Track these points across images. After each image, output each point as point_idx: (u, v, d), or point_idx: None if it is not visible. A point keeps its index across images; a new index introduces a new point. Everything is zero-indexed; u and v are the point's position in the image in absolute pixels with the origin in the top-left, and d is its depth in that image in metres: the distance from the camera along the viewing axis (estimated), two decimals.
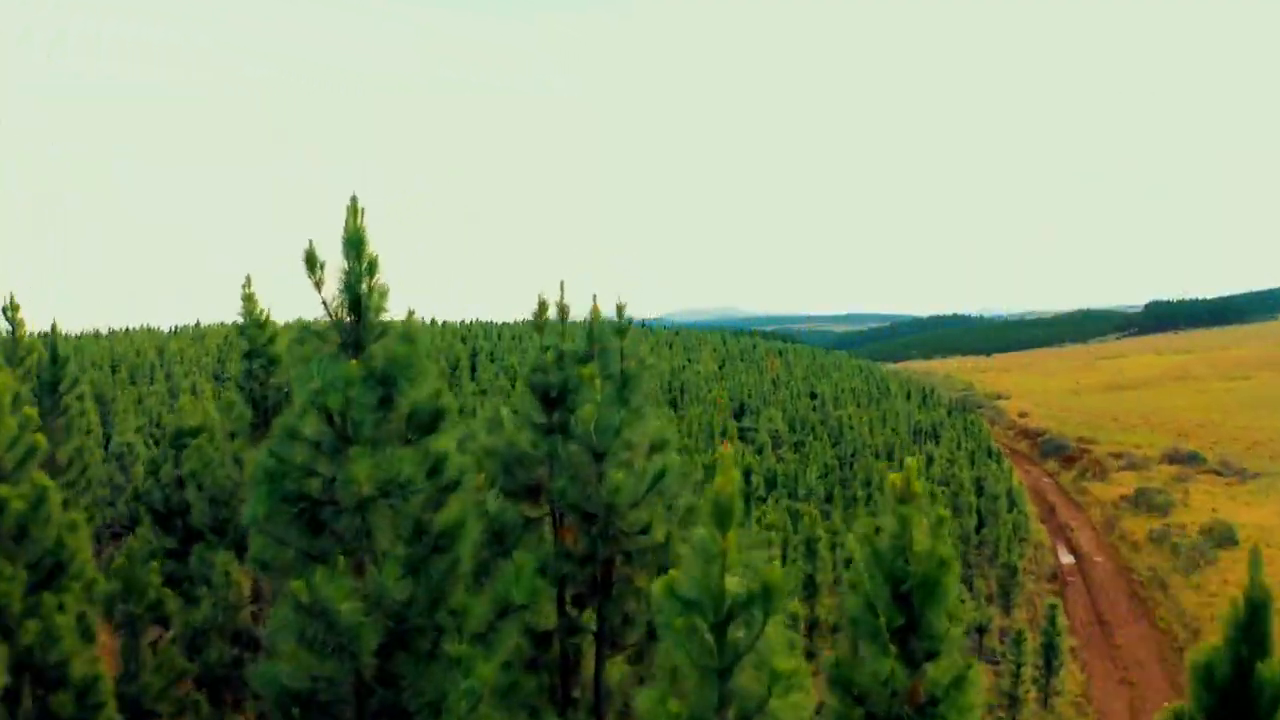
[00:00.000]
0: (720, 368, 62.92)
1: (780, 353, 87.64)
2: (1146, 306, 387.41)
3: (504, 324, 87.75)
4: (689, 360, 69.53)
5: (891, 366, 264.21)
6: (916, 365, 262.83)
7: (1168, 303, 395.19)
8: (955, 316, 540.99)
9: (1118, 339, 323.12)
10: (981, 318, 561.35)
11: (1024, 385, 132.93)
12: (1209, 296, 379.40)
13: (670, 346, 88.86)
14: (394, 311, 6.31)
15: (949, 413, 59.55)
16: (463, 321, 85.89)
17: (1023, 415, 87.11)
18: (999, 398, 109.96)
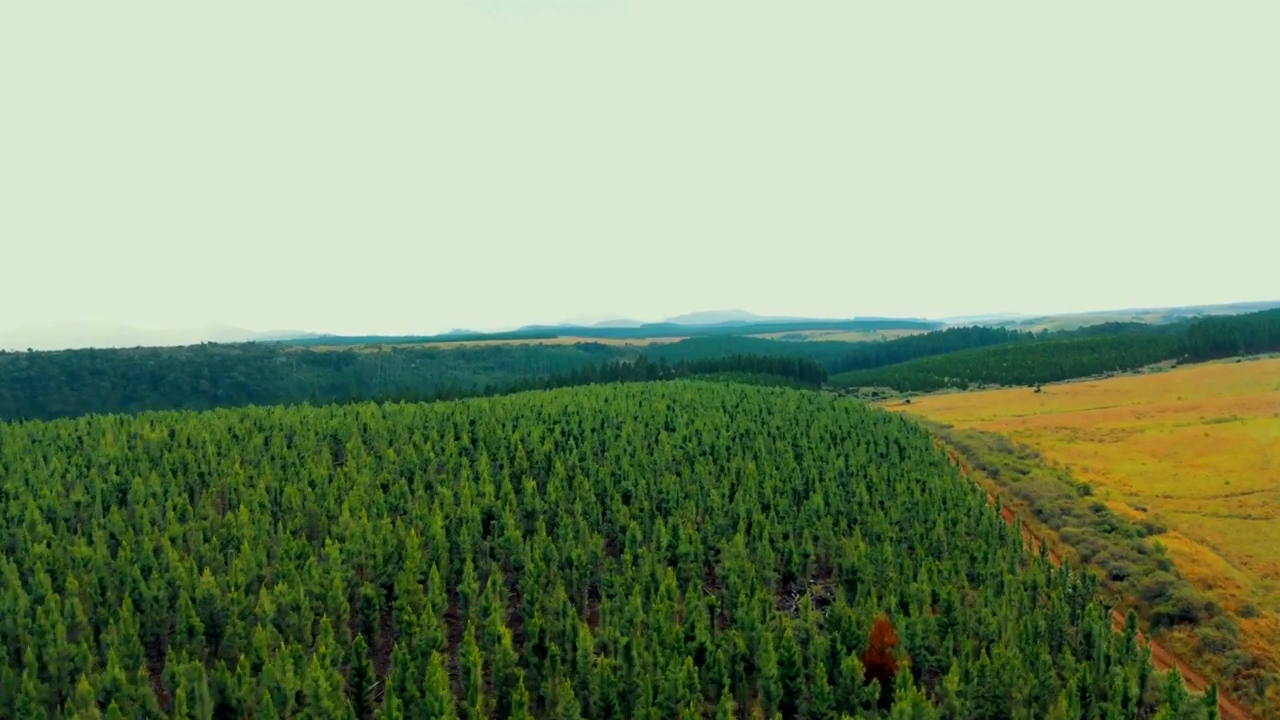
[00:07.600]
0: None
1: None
2: (1195, 327, 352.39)
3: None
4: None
5: (929, 402, 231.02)
6: (957, 401, 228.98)
7: (1218, 321, 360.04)
8: (976, 329, 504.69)
9: (1174, 367, 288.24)
10: (1003, 329, 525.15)
11: (1151, 483, 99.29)
12: (1227, 303, 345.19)
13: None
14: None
15: None
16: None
17: (1245, 612, 53.62)
18: (1146, 530, 76.45)
